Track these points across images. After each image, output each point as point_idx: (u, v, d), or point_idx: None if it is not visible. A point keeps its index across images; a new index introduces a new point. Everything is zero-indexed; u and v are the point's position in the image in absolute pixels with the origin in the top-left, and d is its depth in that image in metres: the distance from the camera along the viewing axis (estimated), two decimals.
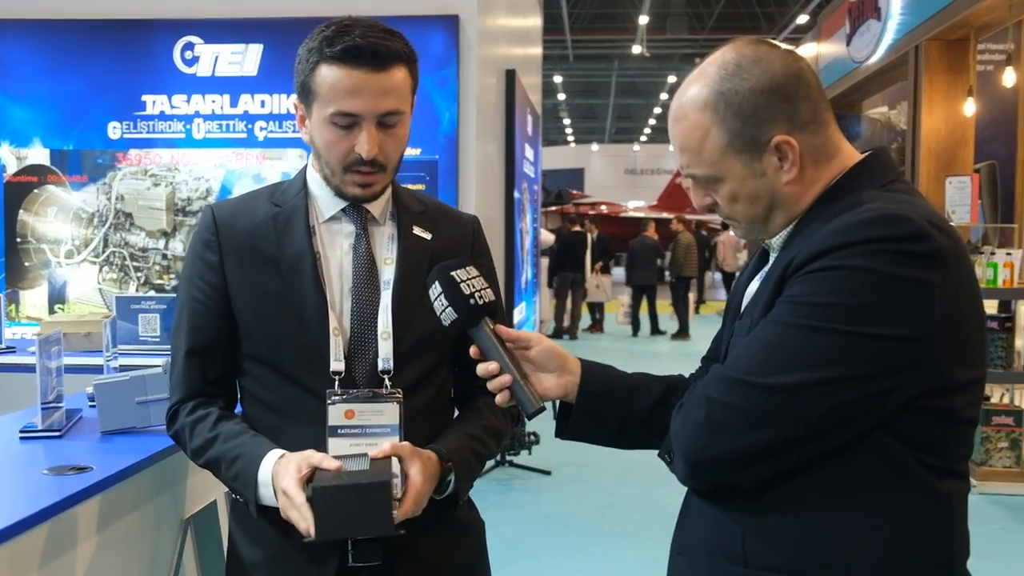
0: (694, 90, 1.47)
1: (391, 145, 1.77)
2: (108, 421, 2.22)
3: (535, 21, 12.42)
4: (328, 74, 1.72)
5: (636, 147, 39.25)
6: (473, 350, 1.57)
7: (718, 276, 23.28)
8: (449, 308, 1.56)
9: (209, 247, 1.83)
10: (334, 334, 1.77)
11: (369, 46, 1.70)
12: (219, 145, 7.32)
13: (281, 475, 1.65)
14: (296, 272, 1.79)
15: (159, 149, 7.38)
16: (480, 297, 1.57)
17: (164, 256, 7.39)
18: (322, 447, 1.71)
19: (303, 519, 1.59)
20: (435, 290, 1.58)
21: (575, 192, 27.78)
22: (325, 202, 1.85)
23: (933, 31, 8.08)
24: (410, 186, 7.78)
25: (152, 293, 7.19)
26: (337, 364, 1.76)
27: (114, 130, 7.39)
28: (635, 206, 29.46)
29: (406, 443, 1.71)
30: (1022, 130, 9.73)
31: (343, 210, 1.85)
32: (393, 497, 1.60)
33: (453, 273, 1.58)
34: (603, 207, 27.60)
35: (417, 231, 1.87)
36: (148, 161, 7.41)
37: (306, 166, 1.87)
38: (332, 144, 1.75)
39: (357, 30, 1.72)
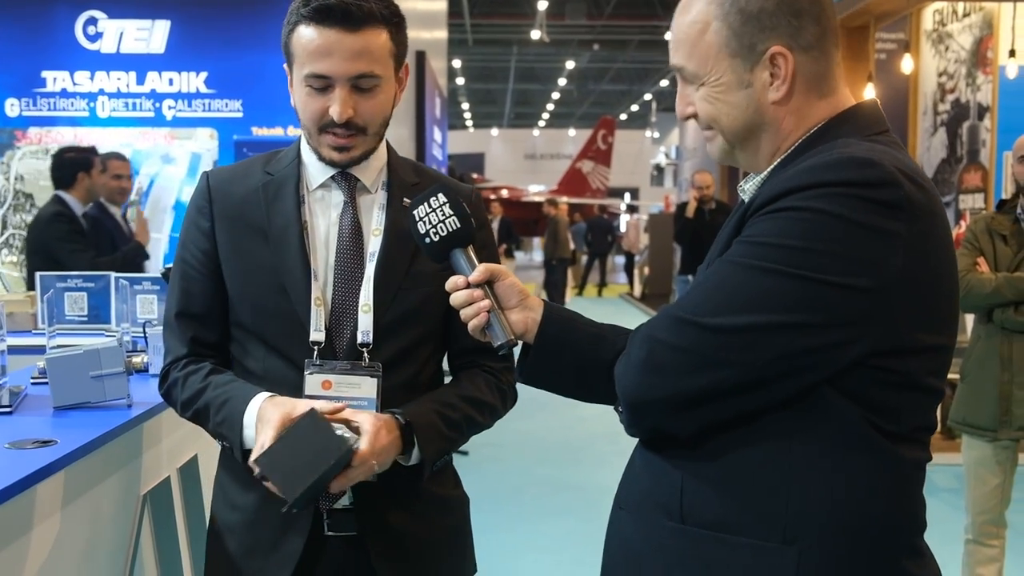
0: None
1: (368, 108, 1.73)
2: (61, 396, 2.16)
3: (441, 4, 12.37)
4: (303, 34, 1.69)
5: (536, 132, 39.46)
6: (451, 281, 1.50)
7: (620, 260, 23.60)
8: (453, 217, 1.51)
9: (202, 213, 1.82)
10: (315, 304, 1.75)
11: (341, 6, 1.67)
12: (125, 124, 7.11)
13: (262, 428, 1.63)
14: (282, 241, 1.77)
15: (61, 127, 7.14)
16: (473, 218, 1.54)
17: None
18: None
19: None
20: (436, 201, 1.52)
21: (477, 176, 27.82)
22: (315, 170, 1.82)
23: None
24: None
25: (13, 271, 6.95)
26: (317, 334, 1.75)
27: (12, 107, 7.11)
28: (536, 190, 29.63)
29: (368, 413, 1.68)
30: (912, 116, 10.14)
31: (332, 178, 1.82)
32: (331, 423, 1.60)
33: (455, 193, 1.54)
34: (504, 191, 27.71)
35: (408, 202, 1.76)
36: (50, 140, 7.15)
37: (300, 136, 1.85)
38: (306, 105, 1.73)
39: None
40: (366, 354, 1.76)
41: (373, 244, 1.80)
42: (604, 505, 1.54)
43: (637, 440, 1.46)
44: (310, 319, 1.75)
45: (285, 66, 1.78)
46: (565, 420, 7.88)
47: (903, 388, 1.30)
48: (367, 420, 1.65)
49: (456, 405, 1.80)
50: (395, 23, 1.74)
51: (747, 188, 1.45)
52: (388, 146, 1.89)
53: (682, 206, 9.37)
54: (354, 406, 1.71)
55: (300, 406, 1.63)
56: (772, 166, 1.41)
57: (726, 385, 1.27)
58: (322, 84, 1.70)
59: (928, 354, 1.31)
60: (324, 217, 1.81)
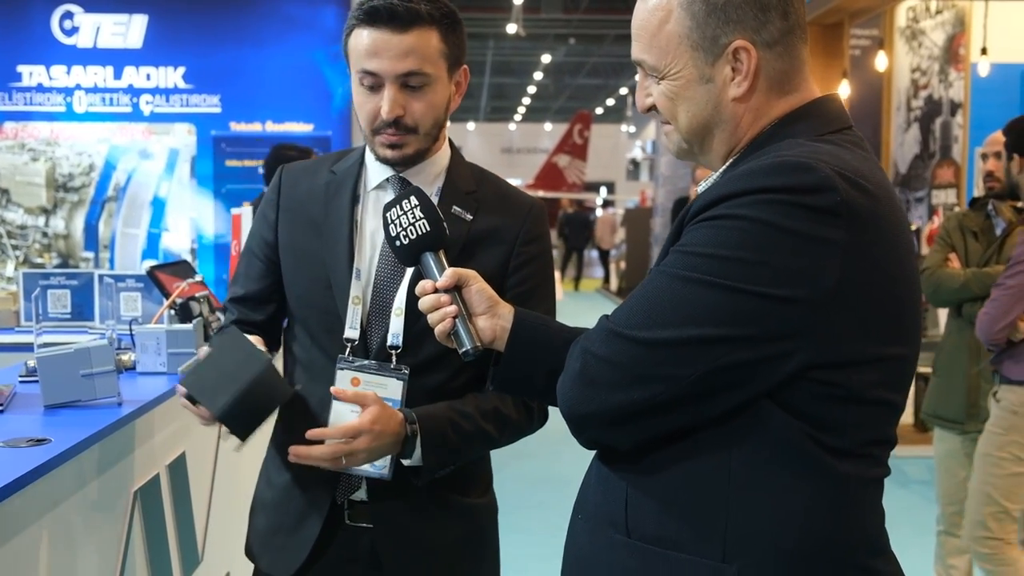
0: None
1: (419, 107, 1.76)
2: (52, 394, 2.17)
3: None
4: (358, 36, 1.76)
5: (512, 126, 39.43)
6: (420, 285, 1.50)
7: (595, 254, 23.66)
8: (423, 221, 1.51)
9: (270, 205, 1.93)
10: (353, 302, 1.81)
11: (387, 7, 1.72)
12: (102, 119, 7.09)
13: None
14: (333, 237, 1.85)
15: (37, 122, 7.11)
16: (459, 215, 1.56)
17: (44, 234, 7.12)
18: (329, 410, 1.76)
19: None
20: (408, 203, 1.53)
21: None
22: (374, 171, 1.88)
23: (810, 15, 8.41)
24: None
25: (11, 267, 6.91)
26: (352, 332, 1.81)
27: None
28: (513, 184, 29.57)
29: (371, 393, 1.73)
30: (886, 112, 10.25)
31: (388, 179, 1.86)
32: (245, 337, 1.71)
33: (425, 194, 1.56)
34: None
35: (457, 210, 1.82)
36: (25, 135, 7.12)
37: None
38: (361, 105, 1.79)
39: None
40: (394, 356, 1.80)
41: None
42: None
43: None
44: (347, 316, 1.81)
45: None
46: None
47: (847, 402, 1.24)
48: (374, 404, 1.70)
49: (472, 417, 1.80)
50: (447, 24, 1.77)
51: (699, 190, 1.39)
52: (454, 154, 1.90)
53: (681, 201, 9.32)
54: None
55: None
56: (724, 166, 1.37)
57: (658, 400, 1.23)
58: (372, 82, 1.75)
59: (876, 365, 1.25)
60: (375, 218, 1.85)
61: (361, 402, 1.70)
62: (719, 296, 1.20)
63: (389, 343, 1.80)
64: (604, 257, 21.74)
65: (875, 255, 1.22)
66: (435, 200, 1.81)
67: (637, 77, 1.41)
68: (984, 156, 3.97)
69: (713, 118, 1.34)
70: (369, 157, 1.88)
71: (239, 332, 1.69)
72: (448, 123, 1.87)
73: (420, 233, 1.51)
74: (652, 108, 1.38)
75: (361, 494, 1.83)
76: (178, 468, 2.60)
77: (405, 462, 1.76)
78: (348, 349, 1.81)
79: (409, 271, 1.79)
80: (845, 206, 1.19)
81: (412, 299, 1.75)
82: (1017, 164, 3.55)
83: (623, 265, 18.78)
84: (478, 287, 1.47)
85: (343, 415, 1.74)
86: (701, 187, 1.37)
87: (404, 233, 1.52)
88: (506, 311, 1.46)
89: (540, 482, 6.06)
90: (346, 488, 1.83)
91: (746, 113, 1.33)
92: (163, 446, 2.52)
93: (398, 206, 1.53)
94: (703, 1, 1.29)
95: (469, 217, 1.83)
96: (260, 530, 1.95)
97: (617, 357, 1.26)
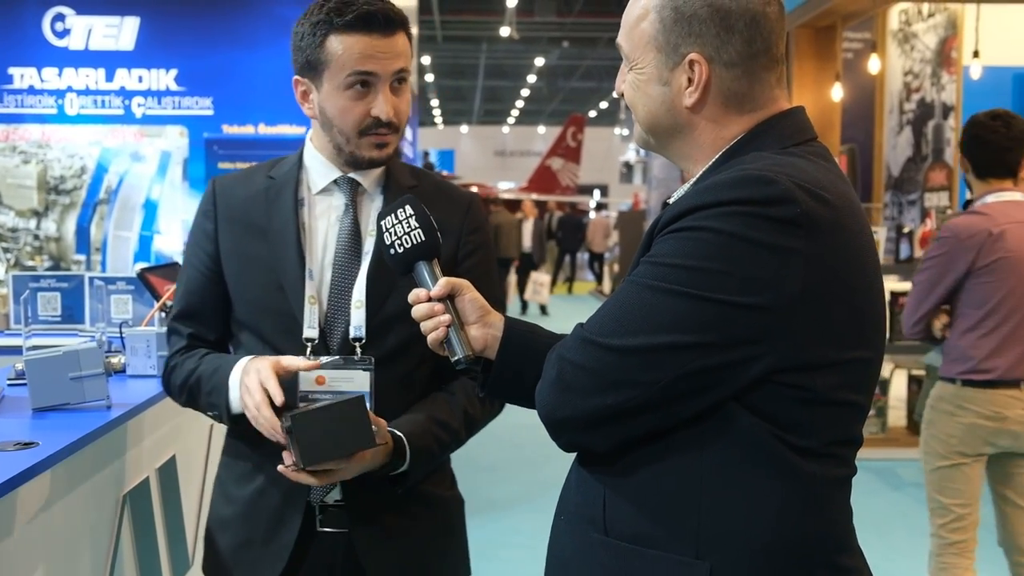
0: None
1: (402, 106, 1.83)
2: (40, 398, 2.16)
3: (411, 1, 12.35)
4: (341, 42, 1.77)
5: (505, 129, 39.48)
6: (413, 293, 1.50)
7: (586, 256, 23.68)
8: (418, 230, 1.52)
9: (207, 216, 1.90)
10: (310, 302, 1.81)
11: (380, 12, 1.77)
12: (94, 121, 7.06)
13: (248, 371, 1.71)
14: (280, 241, 1.84)
15: (28, 124, 7.08)
16: (440, 232, 1.55)
17: (36, 236, 7.09)
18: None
19: (264, 419, 1.66)
20: (403, 212, 1.53)
21: (446, 173, 27.78)
22: (318, 174, 1.89)
23: (802, 18, 8.43)
24: None
25: (2, 269, 6.89)
26: (310, 331, 1.80)
27: None
28: (506, 187, 29.65)
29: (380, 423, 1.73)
30: (879, 115, 10.27)
31: (335, 182, 1.88)
32: (368, 412, 1.65)
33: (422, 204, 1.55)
34: (475, 188, 27.71)
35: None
36: (17, 137, 7.09)
37: (304, 141, 1.92)
38: (348, 110, 1.79)
39: (364, 1, 1.77)
40: (358, 348, 1.80)
41: (368, 244, 1.85)
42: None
43: None
44: (303, 316, 1.80)
45: (295, 79, 1.84)
46: (534, 415, 7.90)
47: (813, 404, 1.29)
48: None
49: (448, 425, 1.84)
50: (407, 27, 1.84)
51: (672, 200, 1.44)
52: None
53: (666, 204, 9.23)
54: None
55: (284, 360, 1.71)
56: (695, 178, 1.43)
57: (631, 404, 1.29)
58: (366, 81, 1.77)
59: (839, 368, 1.30)
60: (324, 219, 1.88)
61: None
62: (687, 304, 1.25)
63: (352, 335, 1.81)
64: (597, 260, 21.74)
65: (835, 264, 1.28)
66: (380, 197, 1.88)
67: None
68: None
69: (667, 120, 1.41)
70: (312, 161, 1.89)
71: (364, 403, 1.65)
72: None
73: (415, 243, 1.52)
74: (622, 95, 1.47)
75: (335, 494, 1.82)
76: (168, 471, 2.58)
77: (389, 471, 1.76)
78: (308, 348, 1.80)
79: (365, 263, 1.83)
80: (806, 217, 1.25)
81: (372, 289, 1.81)
82: None
83: (616, 268, 18.79)
84: (471, 296, 1.50)
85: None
86: (673, 198, 1.42)
87: (399, 242, 1.52)
88: (497, 320, 1.50)
89: (535, 484, 6.05)
90: (320, 490, 1.81)
91: (704, 123, 1.40)
92: (153, 449, 2.51)
93: (392, 215, 1.53)
94: (673, 9, 1.37)
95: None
96: (225, 548, 1.89)
97: (591, 364, 1.31)
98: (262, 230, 1.86)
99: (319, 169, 1.89)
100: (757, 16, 1.36)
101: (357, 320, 1.81)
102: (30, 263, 7.12)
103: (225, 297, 1.88)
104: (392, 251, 1.53)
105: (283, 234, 1.84)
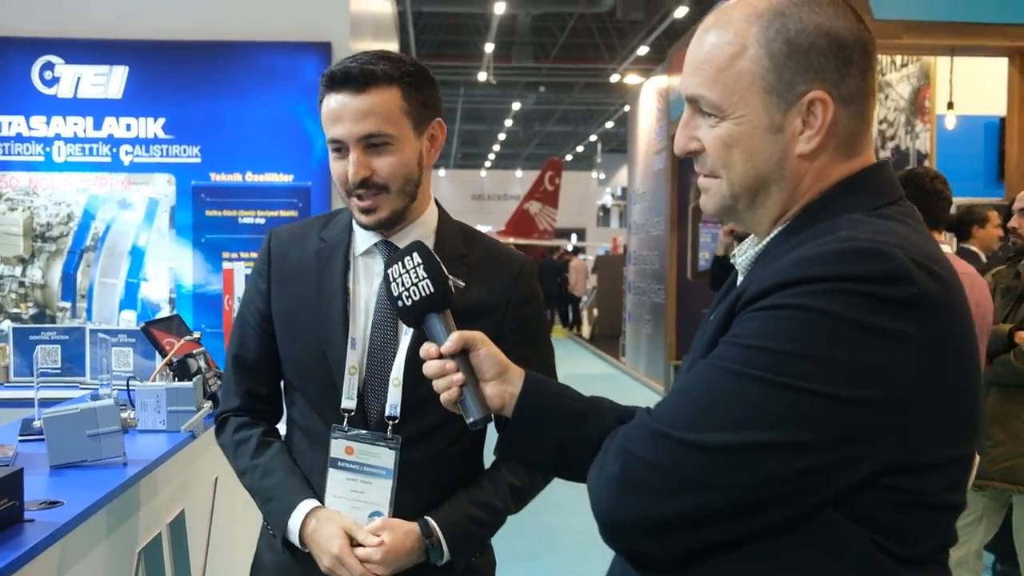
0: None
1: (386, 166, 1.75)
2: (58, 455, 2.18)
3: (392, 45, 12.51)
4: (325, 103, 1.79)
5: (483, 173, 39.65)
6: (424, 349, 1.40)
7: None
8: (427, 281, 1.41)
9: (261, 275, 1.92)
10: (350, 372, 1.82)
11: (344, 70, 1.74)
12: (81, 169, 7.08)
13: (324, 540, 1.76)
14: (327, 310, 1.84)
15: (15, 172, 7.08)
16: (454, 284, 1.44)
17: (21, 284, 7.08)
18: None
19: None
20: (411, 261, 1.43)
21: None
22: (361, 236, 1.88)
23: None
24: (283, 212, 7.65)
25: (7, 323, 6.86)
26: (348, 402, 1.82)
27: None
28: (484, 231, 29.68)
29: (393, 521, 1.78)
30: None
31: (375, 245, 1.86)
32: None
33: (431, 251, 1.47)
34: None
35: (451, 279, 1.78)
36: (3, 185, 7.09)
37: None
38: (334, 171, 1.82)
39: (351, 59, 1.77)
40: (390, 427, 1.81)
41: None
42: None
43: None
44: (343, 387, 1.82)
45: None
46: None
47: (918, 508, 1.14)
48: (387, 531, 1.76)
49: (490, 505, 1.86)
50: (409, 82, 1.77)
51: (740, 261, 1.30)
52: (441, 214, 1.90)
53: (719, 260, 7.42)
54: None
55: (345, 524, 1.77)
56: (772, 235, 1.26)
57: (709, 510, 1.11)
58: (338, 147, 1.76)
59: (947, 467, 1.16)
60: (367, 285, 1.86)
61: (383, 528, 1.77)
62: (781, 396, 1.08)
63: (387, 413, 1.81)
64: (573, 303, 21.80)
65: (948, 349, 1.13)
66: None
67: (683, 115, 1.28)
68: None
69: (774, 173, 1.22)
70: (356, 223, 1.89)
71: None
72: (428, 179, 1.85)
73: (424, 295, 1.41)
74: (695, 152, 1.26)
75: None
76: (178, 526, 2.59)
77: (433, 562, 1.80)
78: (345, 419, 1.82)
79: (405, 338, 1.79)
80: (923, 298, 1.10)
81: (410, 368, 1.78)
82: None
83: (596, 312, 18.84)
84: (487, 351, 1.37)
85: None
86: (741, 258, 1.29)
87: (406, 293, 1.42)
88: (516, 376, 1.36)
89: (526, 532, 6.04)
90: None
91: (808, 173, 1.22)
92: (164, 505, 2.52)
93: (400, 263, 1.43)
94: (785, 42, 1.19)
95: (462, 284, 1.66)
96: None
97: (664, 461, 1.13)
98: (311, 297, 1.86)
99: (361, 231, 1.87)
100: (868, 46, 1.22)
101: (393, 399, 1.81)
102: (15, 310, 7.09)
103: (276, 354, 1.91)
104: (400, 303, 1.43)
105: (330, 303, 1.84)
